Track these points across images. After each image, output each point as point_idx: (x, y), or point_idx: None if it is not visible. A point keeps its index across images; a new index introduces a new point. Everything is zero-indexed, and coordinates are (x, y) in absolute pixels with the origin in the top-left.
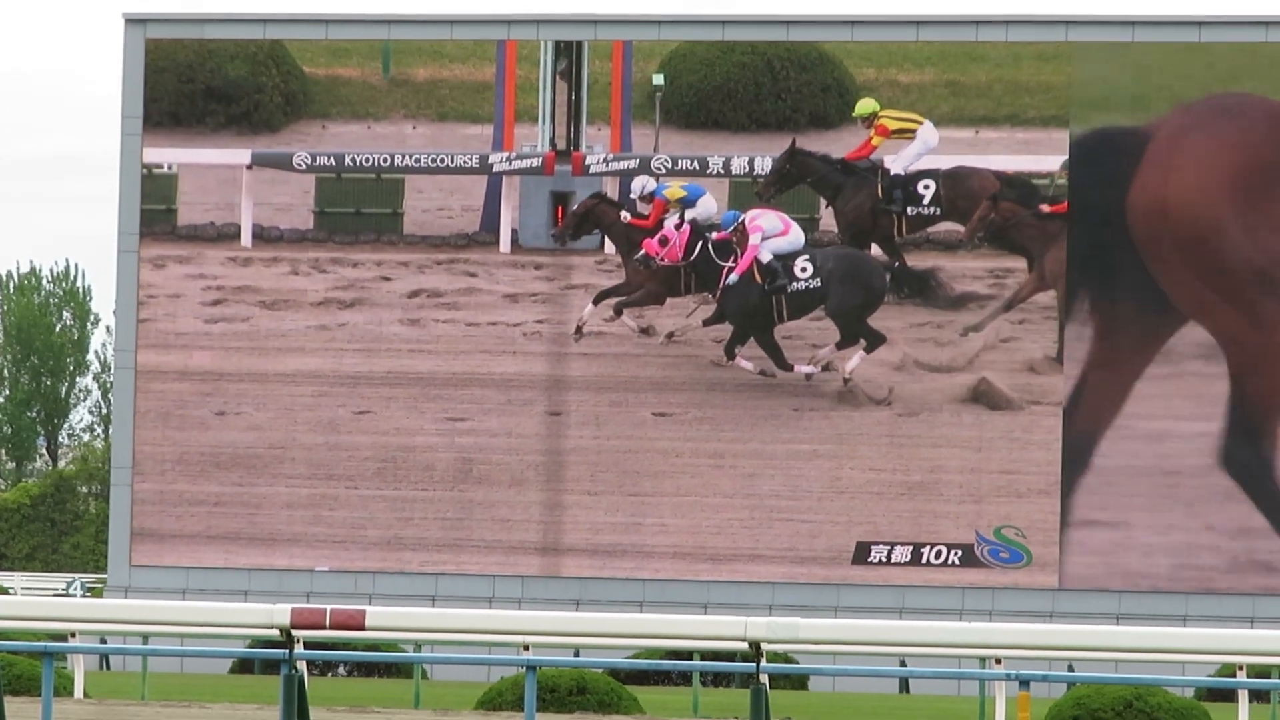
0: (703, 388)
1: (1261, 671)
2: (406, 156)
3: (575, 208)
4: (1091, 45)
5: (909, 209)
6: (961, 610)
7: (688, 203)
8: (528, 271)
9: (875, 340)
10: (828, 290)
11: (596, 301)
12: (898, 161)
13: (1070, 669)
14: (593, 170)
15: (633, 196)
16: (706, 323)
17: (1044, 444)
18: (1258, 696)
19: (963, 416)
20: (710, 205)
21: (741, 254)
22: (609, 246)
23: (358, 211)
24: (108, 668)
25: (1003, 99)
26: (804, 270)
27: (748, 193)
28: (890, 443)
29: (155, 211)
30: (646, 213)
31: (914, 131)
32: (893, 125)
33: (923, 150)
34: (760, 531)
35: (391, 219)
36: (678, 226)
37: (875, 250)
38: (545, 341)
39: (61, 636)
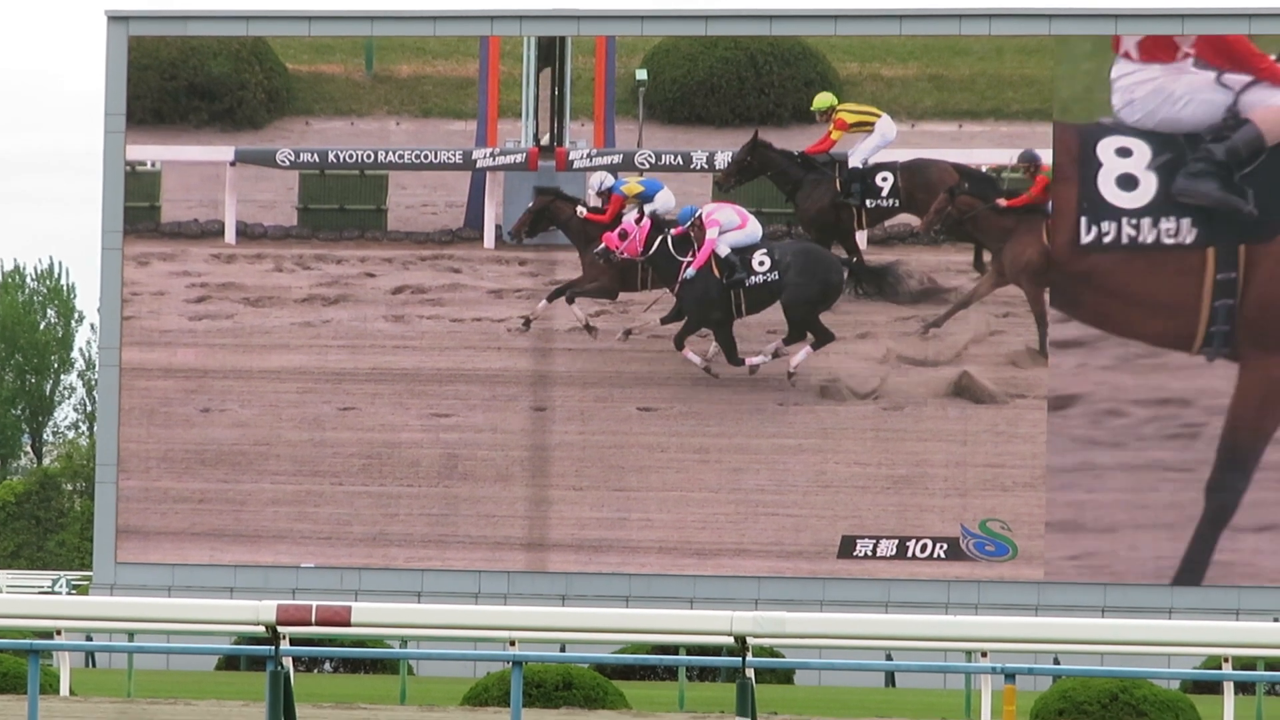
0: (687, 383)
1: (1247, 663)
2: (390, 153)
3: (530, 205)
4: (1074, 39)
5: (868, 201)
6: (947, 604)
7: (645, 197)
8: (512, 267)
9: (824, 338)
10: (784, 282)
11: (552, 298)
12: (856, 155)
13: (1056, 662)
14: (576, 165)
15: (591, 192)
16: (665, 320)
17: (1029, 437)
18: (1243, 688)
19: (948, 410)
20: (669, 199)
21: (699, 248)
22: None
23: (341, 208)
24: (94, 665)
25: (986, 93)
26: (761, 264)
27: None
28: (875, 436)
29: (139, 209)
30: (604, 207)
31: (872, 124)
32: (851, 118)
33: (881, 143)
34: (745, 526)
35: (375, 215)
36: (638, 221)
37: (843, 252)
38: (530, 337)
39: (47, 634)
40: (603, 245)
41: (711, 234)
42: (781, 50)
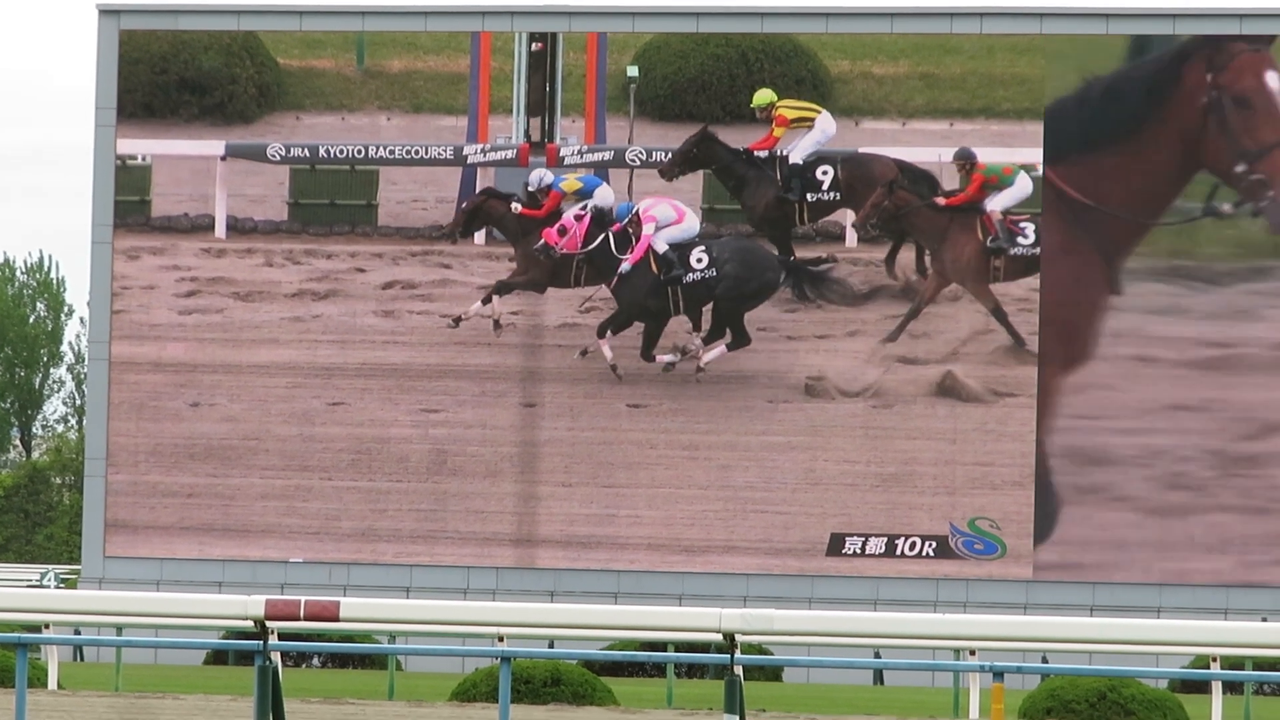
0: (676, 380)
1: (1235, 663)
2: (381, 148)
3: (464, 205)
4: (1065, 38)
5: (808, 195)
6: (936, 602)
7: (584, 194)
8: (501, 263)
9: (740, 340)
10: (721, 278)
11: (486, 300)
12: (796, 151)
13: (1044, 660)
14: (567, 162)
15: (530, 190)
16: (614, 331)
17: (1018, 435)
18: (1231, 688)
19: (936, 408)
20: (608, 195)
21: (635, 244)
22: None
23: (332, 203)
24: (82, 659)
25: (977, 91)
26: (700, 261)
27: (720, 186)
28: (864, 434)
29: (129, 203)
30: (541, 203)
31: (812, 120)
32: (791, 114)
33: (821, 139)
34: (734, 523)
35: (366, 210)
36: (578, 217)
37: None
38: (519, 333)
39: (36, 628)
40: (542, 241)
41: (647, 229)
42: (773, 48)
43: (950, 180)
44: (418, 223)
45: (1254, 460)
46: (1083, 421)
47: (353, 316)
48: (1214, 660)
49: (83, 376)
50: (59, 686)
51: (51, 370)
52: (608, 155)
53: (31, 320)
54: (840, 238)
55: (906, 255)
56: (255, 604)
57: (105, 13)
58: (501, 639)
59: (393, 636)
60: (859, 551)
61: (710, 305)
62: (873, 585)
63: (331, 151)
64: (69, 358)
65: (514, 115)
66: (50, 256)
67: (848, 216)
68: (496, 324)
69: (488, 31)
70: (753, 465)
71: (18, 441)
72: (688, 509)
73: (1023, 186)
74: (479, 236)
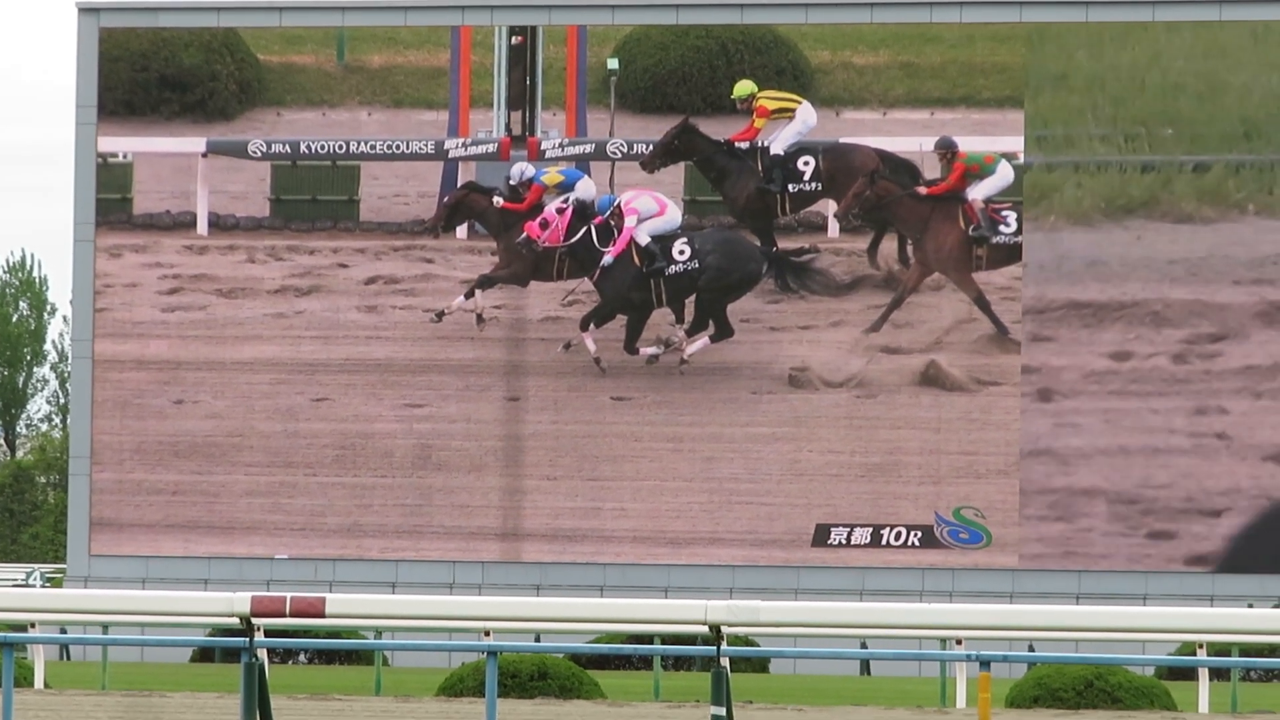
0: (660, 372)
1: (1221, 650)
2: (362, 143)
3: (446, 199)
4: (1046, 26)
5: (790, 186)
6: (922, 591)
7: (565, 187)
8: (484, 257)
9: (724, 332)
10: (704, 269)
11: (468, 295)
12: (777, 142)
13: (1031, 649)
14: (548, 155)
15: (512, 183)
16: (597, 324)
17: (1002, 424)
18: (1218, 675)
19: (920, 398)
20: (589, 188)
21: (618, 236)
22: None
23: (314, 199)
24: (68, 658)
25: (958, 80)
26: (682, 253)
27: (702, 177)
28: (849, 425)
29: (111, 200)
30: (523, 196)
31: (793, 111)
32: (772, 105)
33: (802, 130)
34: (720, 515)
35: (348, 206)
36: (560, 210)
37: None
38: (502, 327)
39: (21, 627)
40: (524, 235)
41: (630, 222)
42: (753, 39)
43: (932, 169)
44: (399, 217)
45: (1238, 444)
46: (1067, 408)
47: (335, 312)
48: (1200, 647)
49: (66, 375)
50: (45, 686)
51: (35, 369)
52: (589, 148)
53: (14, 319)
54: (822, 228)
55: (889, 245)
56: (241, 601)
57: (85, 11)
58: (488, 633)
59: (379, 632)
60: (844, 542)
61: (693, 297)
62: (858, 575)
63: (313, 147)
64: (52, 356)
65: (495, 109)
66: (32, 255)
67: (829, 207)
68: (479, 318)
69: (468, 25)
70: (737, 457)
71: (1, 441)
72: (673, 501)
73: (1004, 175)
74: (461, 231)
